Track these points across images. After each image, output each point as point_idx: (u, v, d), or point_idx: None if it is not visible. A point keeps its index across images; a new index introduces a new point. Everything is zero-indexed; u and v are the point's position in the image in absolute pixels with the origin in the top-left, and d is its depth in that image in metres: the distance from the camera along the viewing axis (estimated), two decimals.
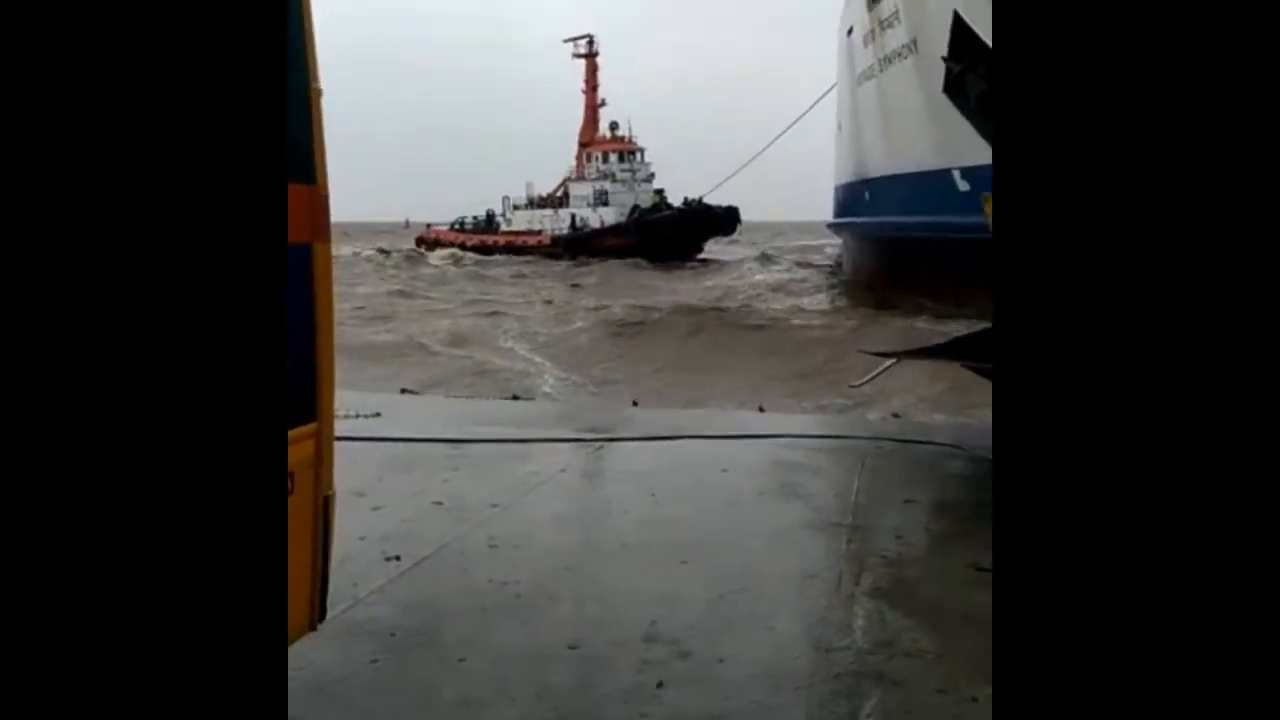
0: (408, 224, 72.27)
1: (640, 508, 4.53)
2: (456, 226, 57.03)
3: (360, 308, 21.75)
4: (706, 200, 44.75)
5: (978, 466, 5.52)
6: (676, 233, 42.90)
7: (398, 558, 3.82)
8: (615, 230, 45.43)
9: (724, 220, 45.27)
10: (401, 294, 26.62)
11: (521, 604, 3.36)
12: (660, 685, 2.73)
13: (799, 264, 35.22)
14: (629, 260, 39.22)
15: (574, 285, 28.92)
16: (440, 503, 4.63)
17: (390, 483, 4.98)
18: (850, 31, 26.68)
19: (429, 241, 56.70)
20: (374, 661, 2.89)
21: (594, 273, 34.31)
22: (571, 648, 2.99)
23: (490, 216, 55.83)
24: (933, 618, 3.20)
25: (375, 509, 4.50)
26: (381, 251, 46.22)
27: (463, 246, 51.88)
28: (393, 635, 3.08)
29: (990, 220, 4.75)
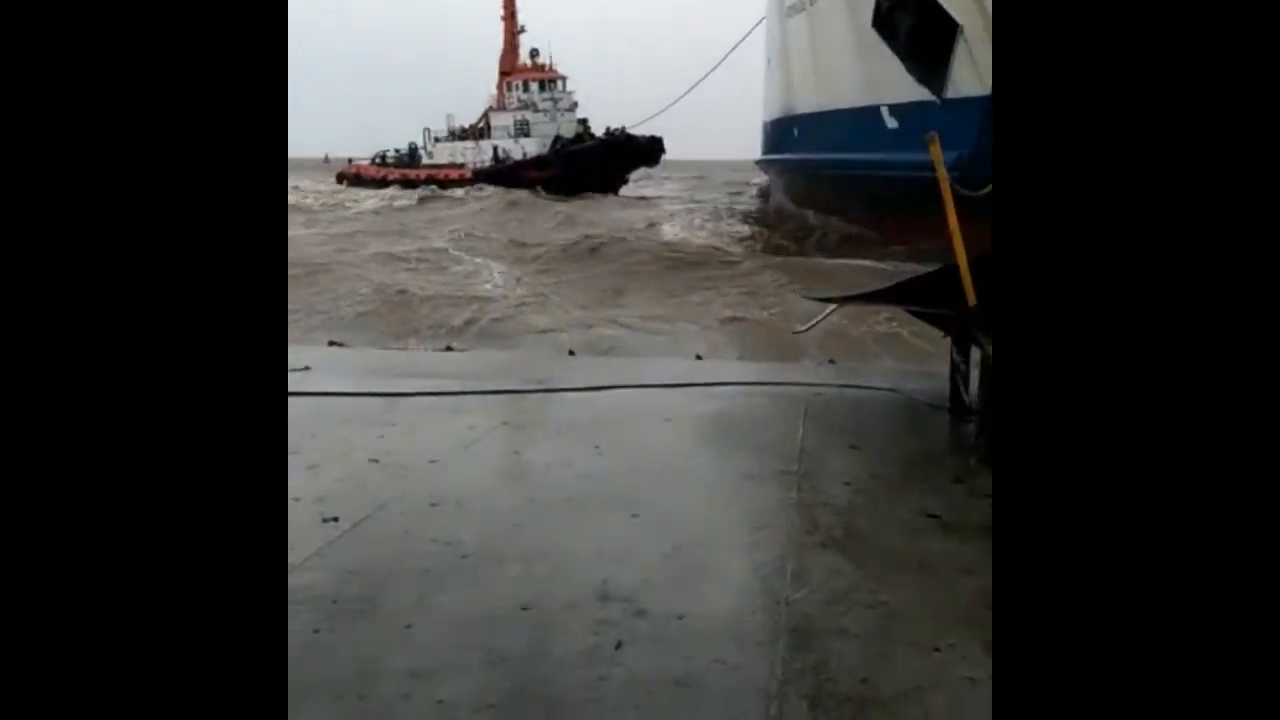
0: (327, 159, 70.60)
1: (584, 461, 4.43)
2: (378, 161, 55.88)
3: None
4: (632, 133, 44.19)
5: (914, 410, 5.55)
6: (599, 164, 42.27)
7: (335, 519, 3.66)
8: (537, 162, 44.65)
9: (647, 150, 44.80)
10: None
11: (468, 565, 3.24)
12: (618, 646, 2.65)
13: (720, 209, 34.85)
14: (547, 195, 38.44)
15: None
16: (376, 460, 4.46)
17: (323, 440, 4.79)
18: None
19: (350, 176, 55.69)
20: (315, 632, 2.75)
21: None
22: (524, 610, 2.88)
23: (413, 150, 54.69)
24: (889, 567, 3.18)
25: (310, 468, 4.31)
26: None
27: (384, 181, 50.78)
28: (334, 603, 2.94)
29: (936, 160, 4.71)
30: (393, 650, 2.65)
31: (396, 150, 55.47)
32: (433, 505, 3.85)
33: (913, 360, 8.59)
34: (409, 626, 2.79)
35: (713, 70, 33.70)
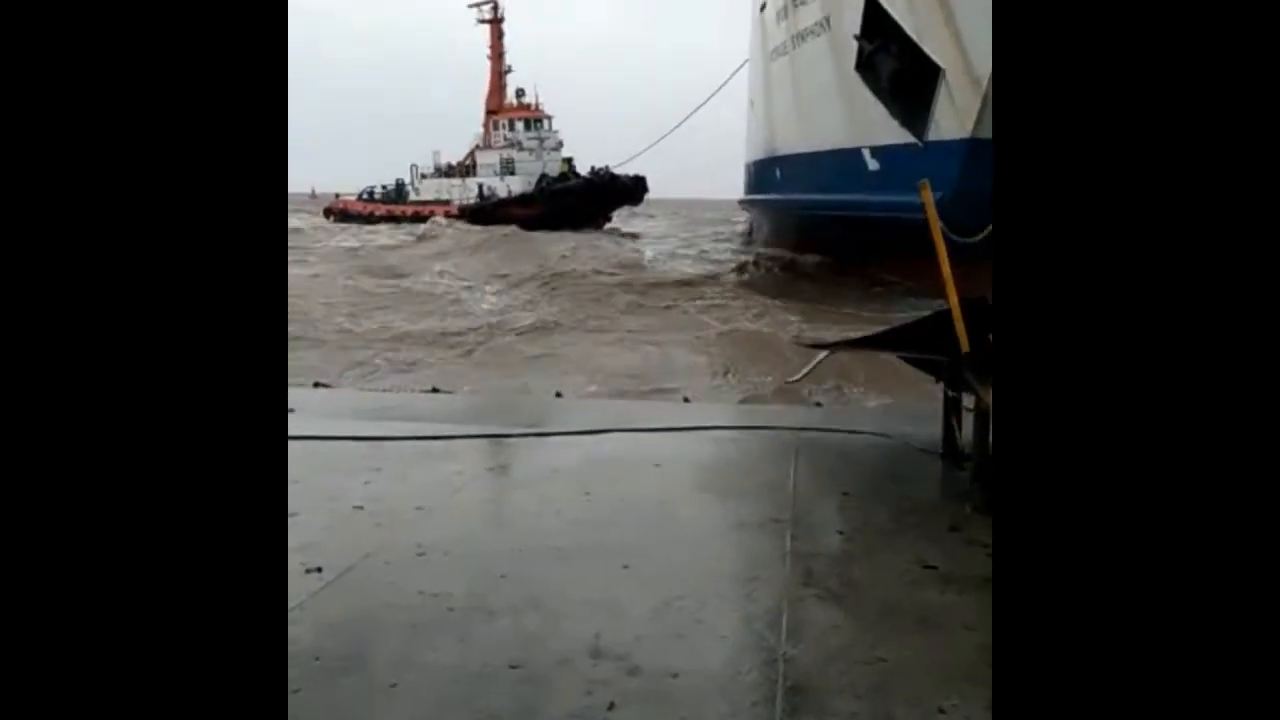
0: (314, 194, 70.97)
1: (574, 508, 4.35)
2: (365, 196, 56.68)
3: None
4: (617, 172, 44.71)
5: (906, 455, 5.49)
6: (583, 202, 42.66)
7: (319, 569, 3.56)
8: (522, 200, 45.08)
9: (630, 190, 45.34)
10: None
11: (455, 618, 3.15)
12: (611, 707, 2.56)
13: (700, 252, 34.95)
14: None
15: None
16: (361, 507, 4.37)
17: (307, 486, 4.69)
18: (764, 7, 26.68)
19: (337, 211, 56.29)
20: (296, 691, 2.64)
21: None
22: (513, 667, 2.79)
23: (400, 186, 55.47)
24: (887, 621, 3.10)
25: (292, 515, 4.21)
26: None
27: (371, 216, 51.30)
28: (316, 660, 2.84)
29: (928, 206, 4.70)
30: (377, 711, 2.56)
31: (384, 186, 56.10)
32: (419, 554, 3.76)
33: (907, 395, 8.56)
34: (394, 685, 2.70)
35: (694, 112, 34.06)
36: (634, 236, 41.70)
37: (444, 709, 2.56)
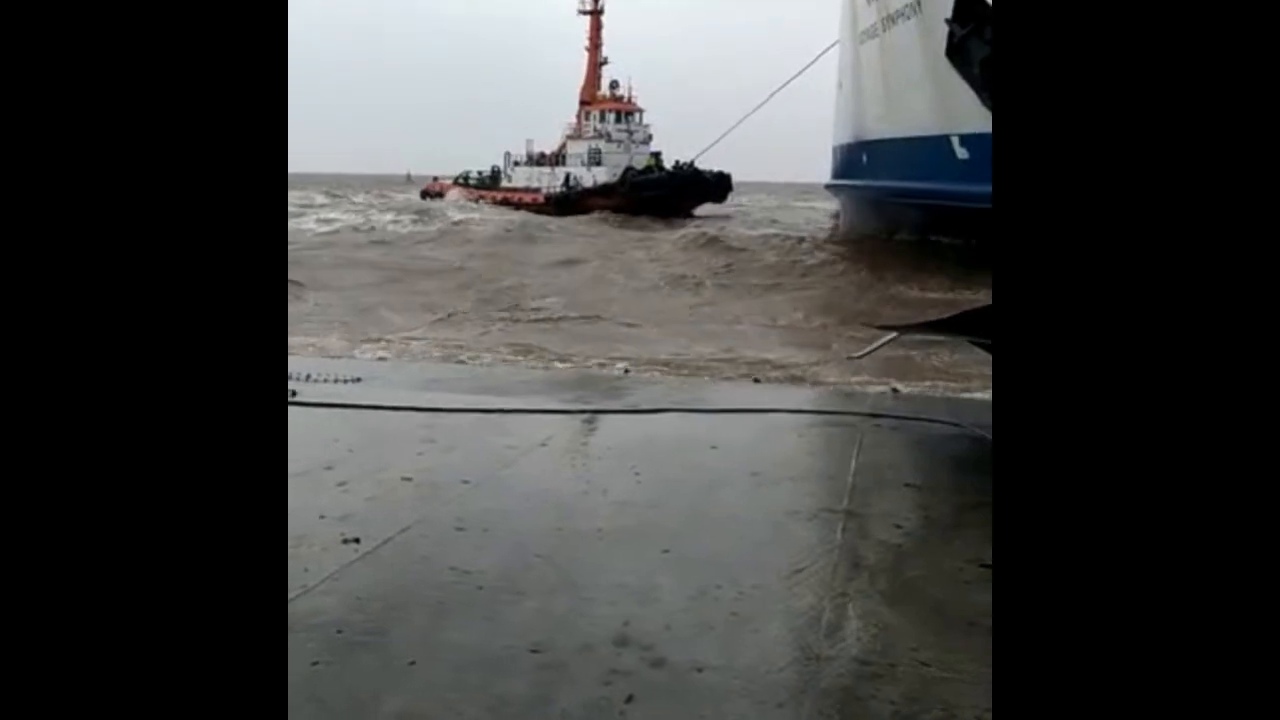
0: (409, 177, 72.84)
1: (622, 488, 4.24)
2: (461, 181, 58.37)
3: None
4: (700, 163, 44.21)
5: (978, 447, 5.24)
6: (665, 196, 42.52)
7: (357, 540, 3.53)
8: (604, 190, 45.34)
9: (714, 187, 44.95)
10: None
11: (483, 597, 3.08)
12: (629, 700, 2.44)
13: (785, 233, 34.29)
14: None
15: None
16: (410, 478, 4.34)
17: (360, 455, 4.70)
18: None
19: (434, 194, 58.16)
20: (314, 664, 2.60)
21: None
22: (534, 651, 2.70)
23: (496, 172, 56.82)
24: (934, 623, 2.92)
25: (340, 484, 4.21)
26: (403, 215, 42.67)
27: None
28: (339, 633, 2.79)
29: None
30: (390, 690, 2.49)
31: (479, 172, 57.46)
32: (458, 530, 3.70)
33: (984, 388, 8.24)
34: (412, 664, 2.63)
35: (774, 94, 33.32)
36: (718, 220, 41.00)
37: (457, 691, 2.48)
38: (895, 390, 8.08)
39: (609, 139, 50.32)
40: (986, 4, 17.79)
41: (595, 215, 39.96)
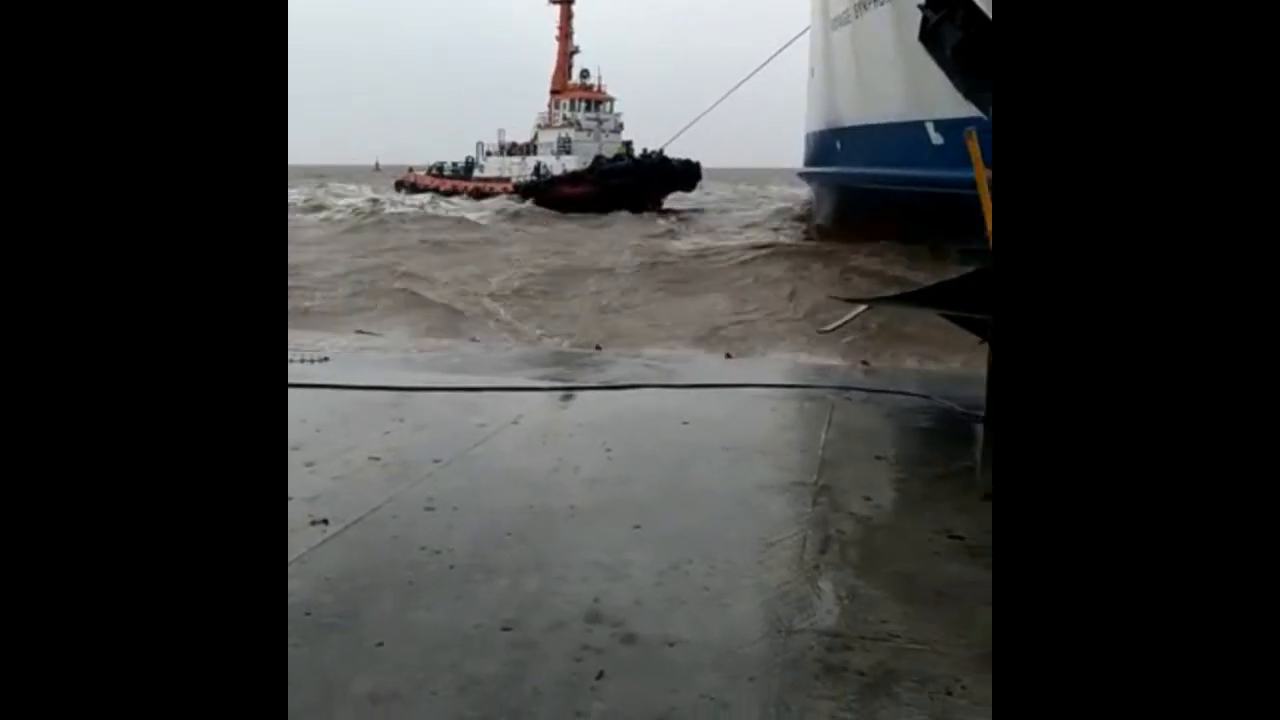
0: (378, 166, 72.23)
1: (594, 465, 4.23)
2: (434, 171, 58.31)
3: None
4: (668, 150, 44.03)
5: (947, 418, 5.29)
6: (632, 185, 42.33)
7: (325, 521, 3.50)
8: (572, 179, 45.16)
9: (681, 175, 44.71)
10: None
11: (454, 576, 3.06)
12: (600, 676, 2.44)
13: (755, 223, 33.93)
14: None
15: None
16: (378, 458, 4.30)
17: (328, 435, 4.65)
18: None
19: (408, 185, 57.95)
20: None
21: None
22: (505, 630, 2.69)
23: (470, 163, 56.60)
24: (903, 594, 2.94)
25: (308, 465, 4.17)
26: (371, 203, 42.94)
27: (437, 191, 52.51)
28: (307, 615, 2.77)
29: (974, 156, 4.43)
30: (360, 671, 2.47)
31: (454, 163, 57.11)
32: (428, 509, 3.68)
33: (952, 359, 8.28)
34: (381, 645, 2.61)
35: (745, 80, 33.06)
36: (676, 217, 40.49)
37: (428, 671, 2.47)
38: (865, 364, 8.12)
39: (579, 127, 50.16)
40: None
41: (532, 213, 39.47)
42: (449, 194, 50.26)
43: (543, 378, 6.17)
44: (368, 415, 5.06)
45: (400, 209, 39.78)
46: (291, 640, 2.61)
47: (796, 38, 30.61)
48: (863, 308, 6.30)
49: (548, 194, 44.13)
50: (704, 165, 46.10)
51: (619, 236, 28.15)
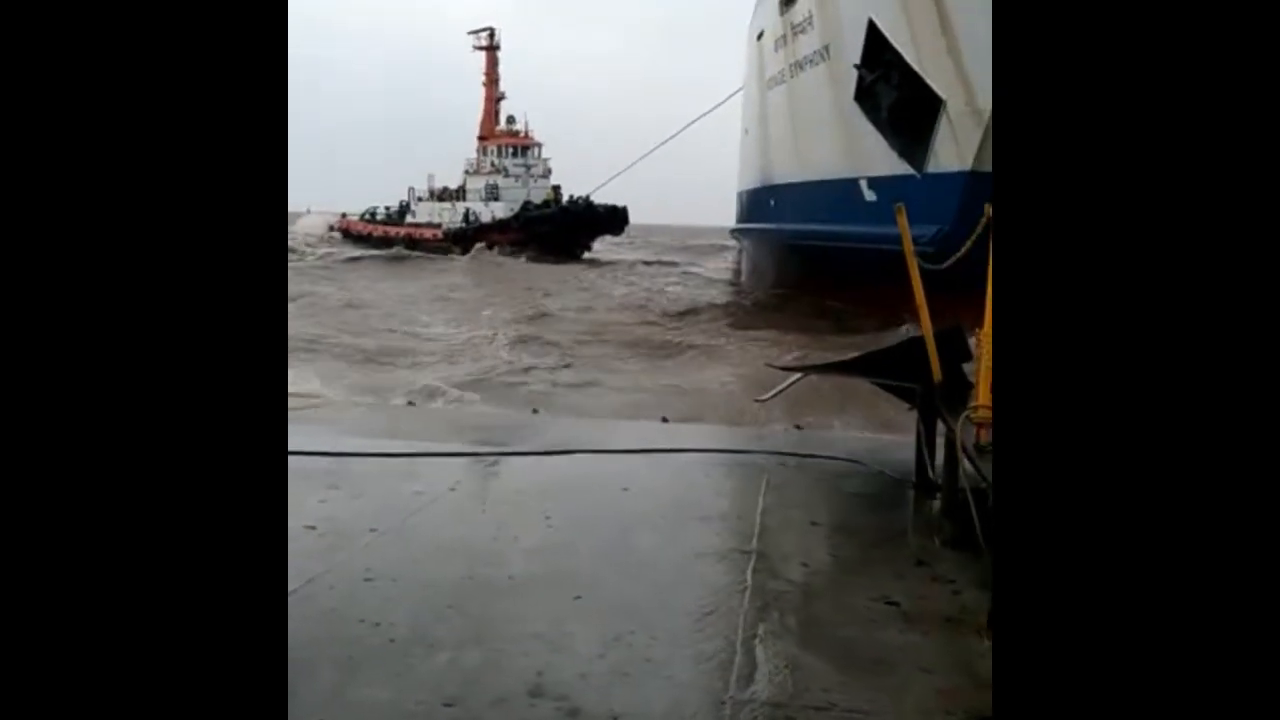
0: (309, 211, 71.41)
1: (533, 534, 4.23)
2: (367, 217, 57.86)
3: None
4: (598, 198, 44.62)
5: (879, 484, 5.39)
6: (559, 230, 42.71)
7: None
8: (499, 226, 45.50)
9: (608, 220, 45.27)
10: None
11: (394, 650, 3.02)
12: None
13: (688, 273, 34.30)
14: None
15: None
16: (313, 527, 4.24)
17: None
18: (760, 35, 26.59)
19: (341, 231, 57.42)
20: None
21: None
22: (447, 705, 2.67)
23: (404, 208, 56.44)
24: (843, 662, 2.99)
25: None
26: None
27: (369, 237, 52.13)
28: None
29: (903, 231, 4.61)
30: None
31: (386, 207, 57.06)
32: (366, 580, 3.63)
33: (882, 426, 8.46)
34: None
35: (675, 135, 33.85)
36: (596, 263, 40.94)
37: None
38: (798, 427, 8.25)
39: (506, 174, 50.54)
40: (895, 49, 18.48)
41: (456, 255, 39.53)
42: (382, 241, 49.90)
43: (479, 441, 6.14)
44: (303, 482, 4.97)
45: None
46: None
47: (729, 98, 31.39)
48: (798, 376, 6.44)
49: (475, 240, 44.28)
50: (636, 219, 46.82)
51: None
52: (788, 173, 24.91)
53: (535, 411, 8.73)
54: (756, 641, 3.15)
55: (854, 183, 20.35)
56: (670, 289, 26.65)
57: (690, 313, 21.63)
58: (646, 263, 43.09)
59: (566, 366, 14.68)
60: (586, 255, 45.50)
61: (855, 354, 5.48)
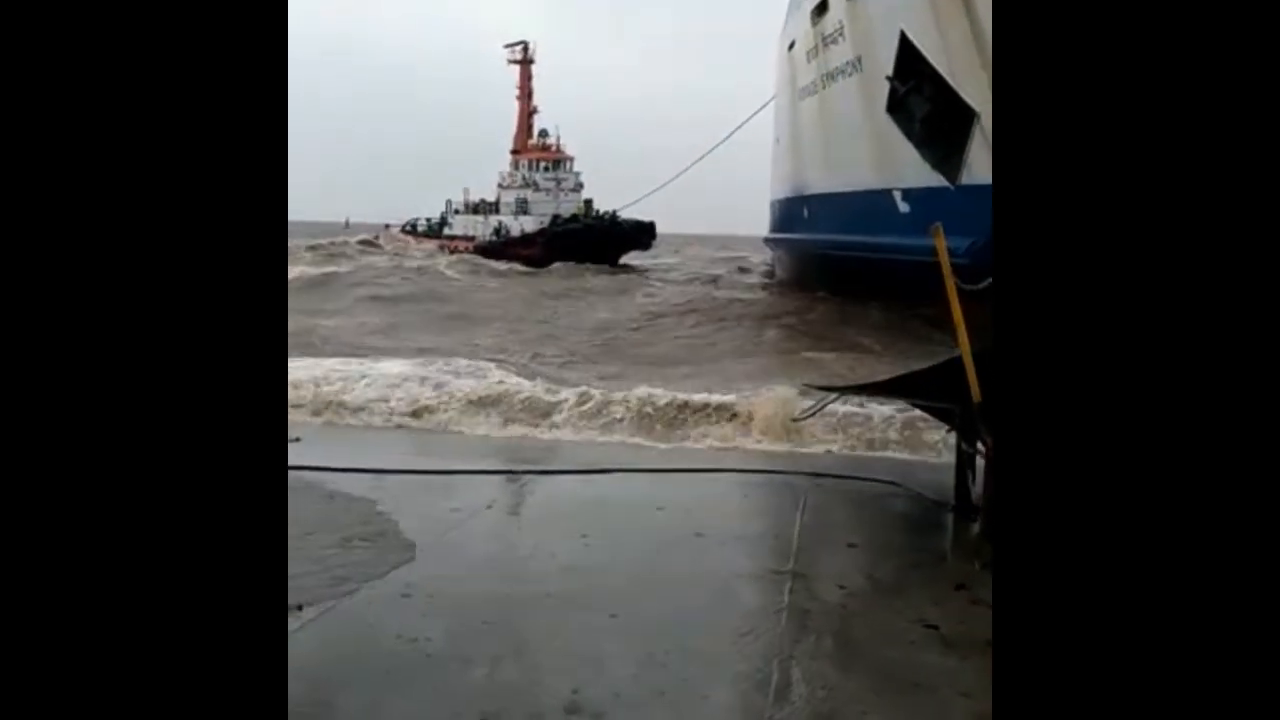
0: (348, 224, 72.42)
1: (568, 552, 4.24)
2: (408, 229, 58.49)
3: None
4: (631, 215, 44.47)
5: (917, 506, 5.34)
6: (584, 245, 42.52)
7: (299, 608, 3.47)
8: (524, 240, 45.64)
9: (634, 235, 44.96)
10: None
11: (432, 665, 3.04)
12: None
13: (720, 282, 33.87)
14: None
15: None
16: (352, 542, 4.28)
17: (300, 517, 4.61)
18: (792, 46, 26.56)
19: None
20: None
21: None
22: None
23: (444, 220, 57.22)
24: (880, 685, 2.96)
25: None
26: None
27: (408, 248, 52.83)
28: None
29: (940, 251, 4.59)
30: None
31: (428, 219, 57.72)
32: (405, 595, 3.66)
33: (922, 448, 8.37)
34: None
35: (712, 150, 33.97)
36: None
37: None
38: (829, 451, 8.19)
39: (536, 187, 50.82)
40: (927, 61, 18.42)
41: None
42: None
43: (515, 460, 6.18)
44: (343, 498, 5.03)
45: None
46: None
47: (761, 109, 31.38)
48: (834, 396, 6.40)
49: (503, 253, 44.44)
50: (672, 229, 46.60)
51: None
52: (821, 183, 24.82)
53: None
54: (794, 663, 3.13)
55: (888, 194, 20.24)
56: (699, 298, 26.53)
57: (721, 322, 21.60)
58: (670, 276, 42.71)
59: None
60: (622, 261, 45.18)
61: (892, 375, 5.44)
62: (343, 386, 8.69)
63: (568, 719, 2.70)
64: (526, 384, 9.02)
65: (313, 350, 12.36)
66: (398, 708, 2.76)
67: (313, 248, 40.56)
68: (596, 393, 8.35)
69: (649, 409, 7.97)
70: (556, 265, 38.74)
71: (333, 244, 45.13)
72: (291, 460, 5.73)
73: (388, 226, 61.39)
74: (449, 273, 34.52)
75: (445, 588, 3.75)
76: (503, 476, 5.68)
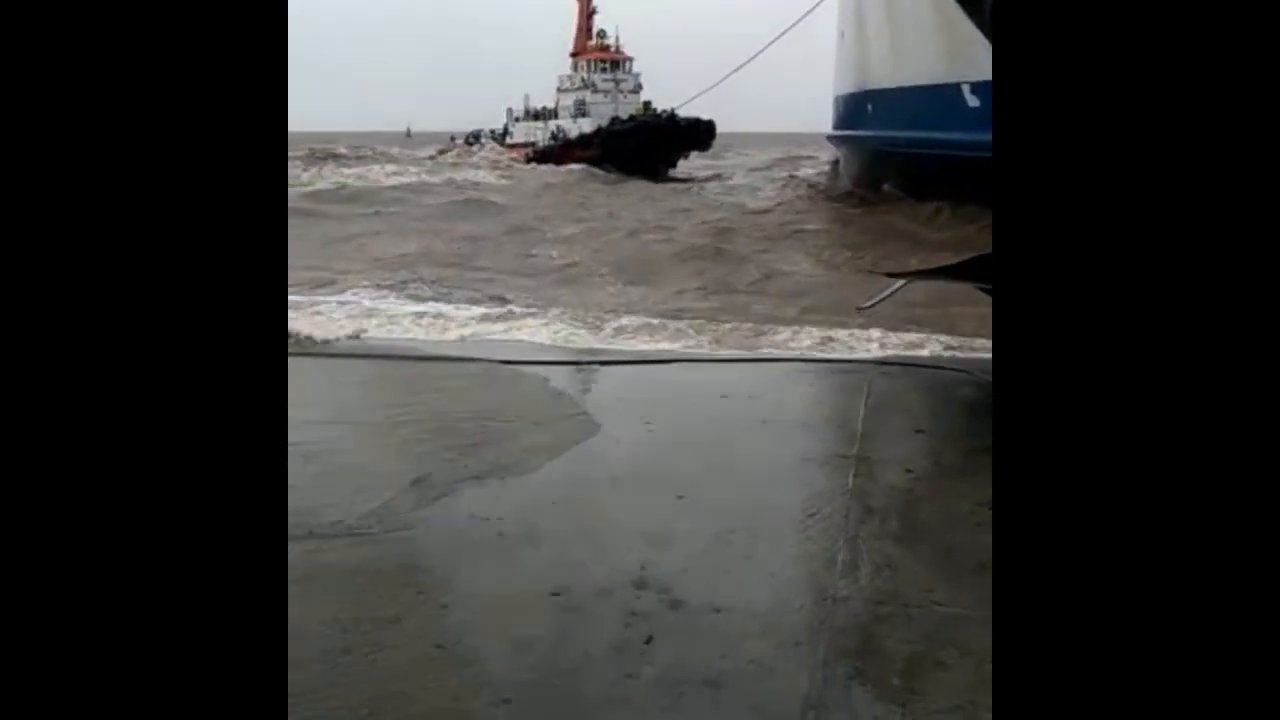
0: (409, 133, 72.24)
1: (633, 437, 4.28)
2: (471, 140, 58.28)
3: None
4: (688, 110, 42.88)
5: (985, 392, 5.27)
6: (638, 146, 41.18)
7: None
8: (581, 142, 44.58)
9: (692, 134, 43.23)
10: None
11: (504, 543, 3.13)
12: (649, 640, 2.51)
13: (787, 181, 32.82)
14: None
15: None
16: (423, 423, 4.38)
17: (370, 403, 4.74)
18: None
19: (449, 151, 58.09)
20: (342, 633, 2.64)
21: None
22: (554, 595, 2.76)
23: (506, 129, 56.78)
24: (944, 564, 2.97)
25: (391, 424, 4.27)
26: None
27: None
28: (355, 580, 2.85)
29: None
30: (424, 632, 2.55)
31: (491, 129, 57.24)
32: (474, 477, 3.75)
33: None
34: (444, 607, 2.69)
35: (771, 43, 32.61)
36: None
37: (483, 632, 2.54)
38: (902, 333, 8.09)
39: (594, 89, 49.71)
40: None
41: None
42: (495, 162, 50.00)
43: (577, 352, 6.23)
44: (412, 384, 5.14)
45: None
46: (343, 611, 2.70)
47: (821, 1, 30.15)
48: (901, 283, 6.29)
49: (559, 158, 43.72)
50: (732, 129, 45.15)
51: None
52: (884, 78, 23.96)
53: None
54: (859, 542, 3.15)
55: (955, 87, 19.47)
56: (763, 195, 26.12)
57: (786, 222, 21.26)
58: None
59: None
60: (675, 173, 43.79)
61: (963, 258, 5.31)
62: None
63: (636, 594, 2.76)
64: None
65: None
66: (474, 581, 2.85)
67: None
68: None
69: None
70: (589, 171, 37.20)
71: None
72: (355, 350, 5.88)
73: (453, 138, 61.13)
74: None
75: (512, 470, 3.82)
76: (565, 366, 5.73)
